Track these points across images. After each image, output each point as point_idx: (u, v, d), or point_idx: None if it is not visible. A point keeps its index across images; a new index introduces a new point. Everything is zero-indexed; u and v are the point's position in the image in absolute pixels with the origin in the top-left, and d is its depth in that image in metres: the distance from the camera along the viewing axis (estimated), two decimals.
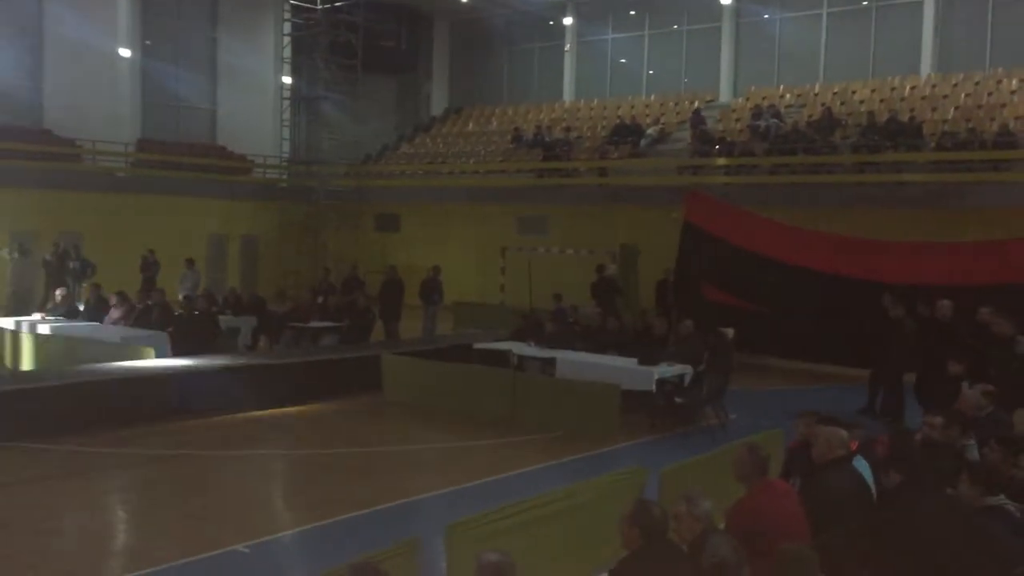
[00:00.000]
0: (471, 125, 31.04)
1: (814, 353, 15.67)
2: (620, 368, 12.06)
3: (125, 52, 26.30)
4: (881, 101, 22.75)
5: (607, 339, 13.96)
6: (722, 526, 4.96)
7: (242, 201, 26.80)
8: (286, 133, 29.62)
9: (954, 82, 22.48)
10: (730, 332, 13.32)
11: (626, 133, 25.27)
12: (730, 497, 5.45)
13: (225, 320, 15.67)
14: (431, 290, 19.16)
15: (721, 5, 26.52)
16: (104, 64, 25.88)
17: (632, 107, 27.86)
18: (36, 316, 16.18)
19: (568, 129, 26.84)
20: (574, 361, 12.68)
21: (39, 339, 14.75)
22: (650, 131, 24.99)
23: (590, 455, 10.36)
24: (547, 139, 26.40)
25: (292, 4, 28.88)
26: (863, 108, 22.38)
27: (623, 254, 21.32)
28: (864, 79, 24.26)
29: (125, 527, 8.17)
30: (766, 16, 26.58)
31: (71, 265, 19.94)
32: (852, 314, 14.00)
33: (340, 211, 28.15)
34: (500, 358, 13.49)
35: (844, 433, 5.66)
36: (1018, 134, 18.93)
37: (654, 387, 11.60)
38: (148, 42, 27.45)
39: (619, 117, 26.84)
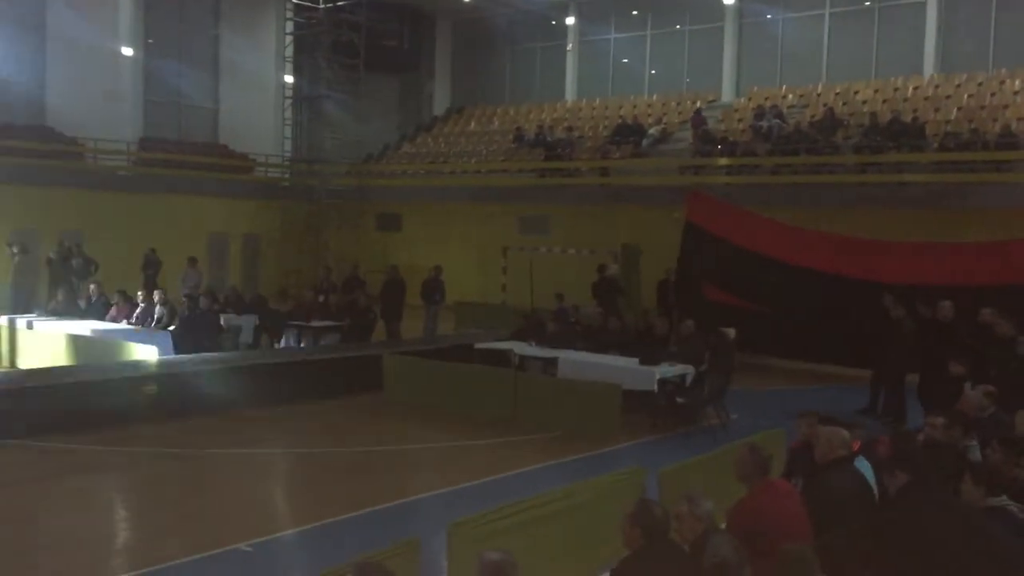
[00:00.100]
0: (473, 124, 31.04)
1: (815, 353, 15.67)
2: (621, 368, 12.07)
3: (127, 51, 26.31)
4: (884, 101, 22.74)
5: (608, 339, 13.96)
6: (723, 526, 4.95)
7: (244, 200, 26.80)
8: (288, 132, 29.63)
9: (957, 83, 22.46)
10: (731, 332, 13.31)
11: (628, 133, 25.26)
12: (731, 497, 5.45)
13: (227, 319, 15.67)
14: (432, 290, 19.16)
15: (724, 5, 26.51)
16: (107, 62, 25.88)
17: (634, 107, 27.86)
18: (38, 314, 16.20)
19: (570, 129, 26.84)
20: (575, 361, 12.68)
21: (41, 337, 14.76)
22: (652, 131, 24.98)
23: (591, 455, 10.35)
24: (549, 139, 26.39)
25: (294, 3, 28.88)
26: (865, 108, 22.36)
27: (625, 254, 21.32)
28: (867, 79, 24.24)
29: (127, 526, 8.18)
30: (769, 16, 26.56)
31: (74, 263, 19.95)
32: (853, 314, 14.00)
33: (342, 210, 28.16)
34: (501, 358, 13.49)
35: (846, 433, 5.65)
36: (1021, 135, 18.90)
37: (655, 387, 11.61)
38: (150, 40, 27.45)
39: (621, 117, 26.84)
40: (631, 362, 12.12)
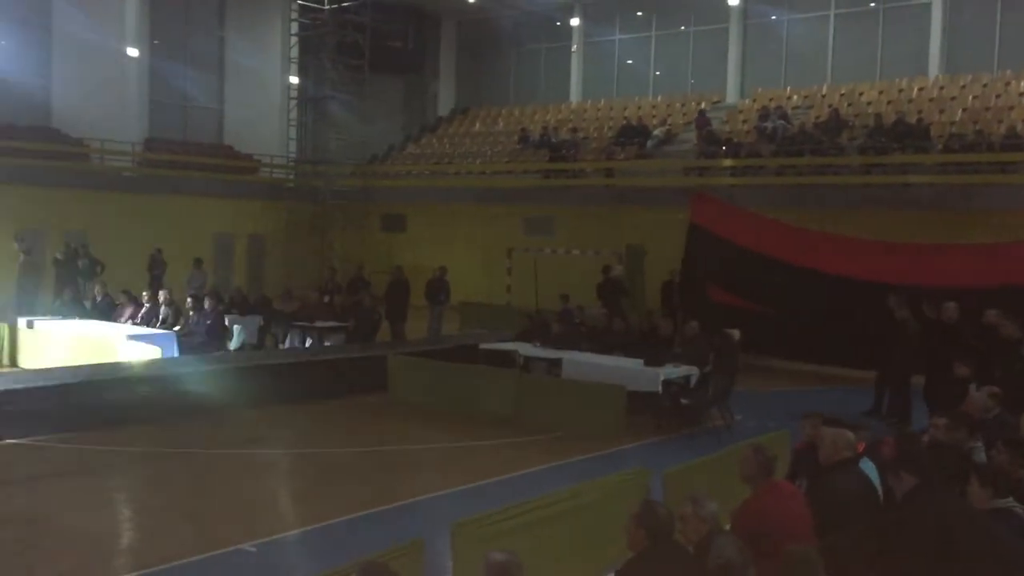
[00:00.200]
0: (478, 125, 31.05)
1: (819, 354, 15.65)
2: (626, 369, 12.07)
3: (133, 51, 26.36)
4: (888, 103, 22.70)
5: (613, 340, 13.96)
6: (728, 527, 4.95)
7: (249, 201, 26.85)
8: (293, 133, 29.70)
9: (962, 84, 22.42)
10: (736, 333, 13.30)
11: (632, 134, 25.26)
12: (736, 498, 5.45)
13: (231, 319, 15.70)
14: (437, 290, 19.17)
15: (728, 6, 26.48)
16: (112, 63, 25.94)
17: (639, 108, 27.84)
18: (43, 314, 16.23)
19: (575, 130, 26.84)
20: (580, 362, 12.68)
21: (45, 337, 14.79)
22: (656, 132, 24.97)
23: (595, 456, 10.35)
24: (553, 140, 26.40)
25: (299, 4, 28.95)
26: (870, 110, 22.33)
27: (629, 255, 21.32)
28: (871, 81, 24.22)
29: (130, 526, 8.19)
30: (773, 17, 26.53)
31: (80, 264, 20.01)
32: (858, 316, 13.98)
33: (346, 211, 28.19)
34: (506, 359, 13.49)
35: (850, 435, 5.64)
36: None
37: (660, 388, 11.60)
38: (156, 41, 27.50)
39: (626, 118, 26.82)
40: (635, 363, 12.11)
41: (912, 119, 20.70)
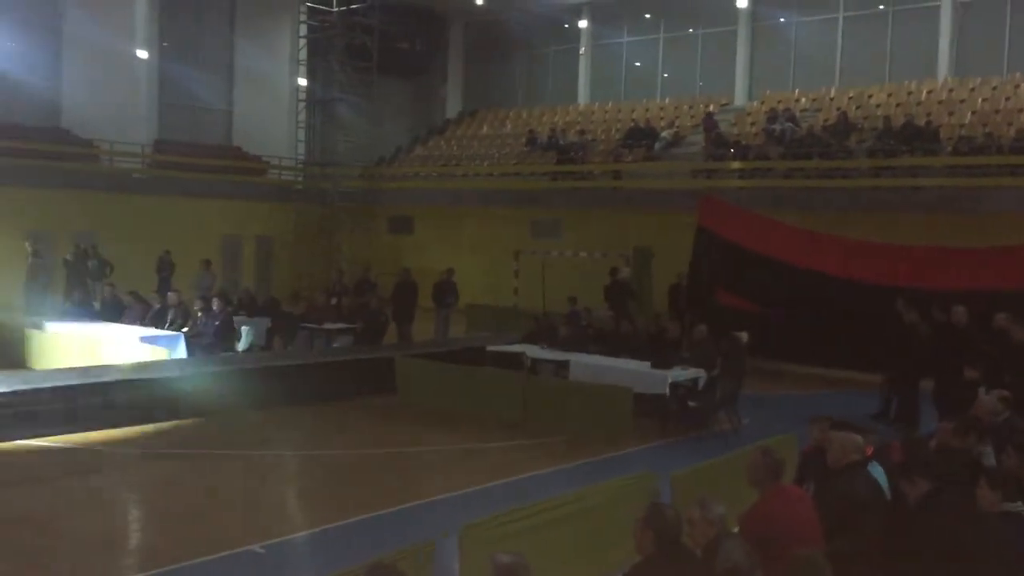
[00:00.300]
0: (485, 128, 31.07)
1: (827, 357, 15.60)
2: (633, 371, 12.06)
3: (143, 53, 26.46)
4: (897, 105, 22.65)
5: (620, 342, 13.97)
6: (736, 531, 4.94)
7: (257, 202, 26.91)
8: (301, 135, 29.76)
9: (971, 86, 22.35)
10: (744, 336, 13.27)
11: (640, 136, 25.24)
12: (743, 502, 5.43)
13: (239, 321, 15.73)
14: (445, 292, 19.18)
15: (736, 8, 26.45)
16: (122, 65, 26.04)
17: (646, 110, 27.82)
18: (52, 315, 16.27)
19: (582, 132, 26.84)
20: (587, 364, 12.68)
21: (53, 338, 14.84)
22: (664, 134, 24.96)
23: (603, 458, 10.35)
24: (561, 142, 26.40)
25: (308, 7, 29.03)
26: (879, 112, 22.28)
27: (636, 257, 21.27)
28: (880, 83, 24.15)
29: (138, 526, 8.23)
30: (782, 20, 26.49)
31: (89, 265, 20.08)
32: (865, 319, 13.92)
33: (354, 213, 28.24)
34: (513, 361, 13.49)
35: (859, 438, 5.63)
36: None
37: (667, 391, 11.60)
38: (165, 44, 27.61)
39: (633, 120, 26.80)
40: (643, 366, 12.11)
41: (921, 122, 20.64)
